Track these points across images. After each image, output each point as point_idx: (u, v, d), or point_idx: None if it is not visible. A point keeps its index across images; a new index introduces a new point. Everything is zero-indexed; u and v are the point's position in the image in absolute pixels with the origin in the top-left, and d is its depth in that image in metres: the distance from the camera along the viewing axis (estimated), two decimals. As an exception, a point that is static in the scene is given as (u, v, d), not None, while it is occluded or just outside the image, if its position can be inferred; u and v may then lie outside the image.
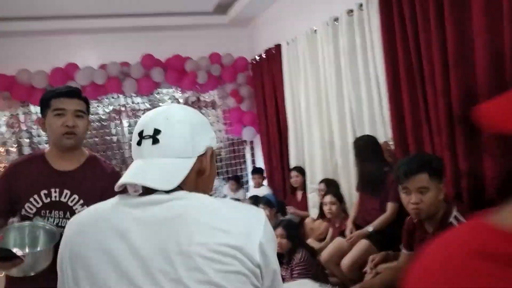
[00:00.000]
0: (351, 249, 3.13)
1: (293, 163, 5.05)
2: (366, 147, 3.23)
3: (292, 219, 4.48)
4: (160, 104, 6.35)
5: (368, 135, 3.38)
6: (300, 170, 4.78)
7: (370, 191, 3.31)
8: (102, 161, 1.87)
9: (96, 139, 6.09)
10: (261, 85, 5.87)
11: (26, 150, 5.83)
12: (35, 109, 5.79)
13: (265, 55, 5.58)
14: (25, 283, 1.53)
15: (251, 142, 6.74)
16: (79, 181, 1.73)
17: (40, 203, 1.68)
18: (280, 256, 3.28)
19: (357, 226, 3.32)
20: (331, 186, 3.92)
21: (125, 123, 6.17)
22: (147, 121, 0.99)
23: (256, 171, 5.83)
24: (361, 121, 3.69)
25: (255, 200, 4.39)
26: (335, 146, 4.14)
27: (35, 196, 1.68)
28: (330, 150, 4.28)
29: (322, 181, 4.11)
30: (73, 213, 1.69)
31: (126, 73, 5.83)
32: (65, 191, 1.70)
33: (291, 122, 5.05)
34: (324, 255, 3.25)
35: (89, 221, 0.96)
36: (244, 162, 6.80)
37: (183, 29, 6.00)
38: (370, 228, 3.15)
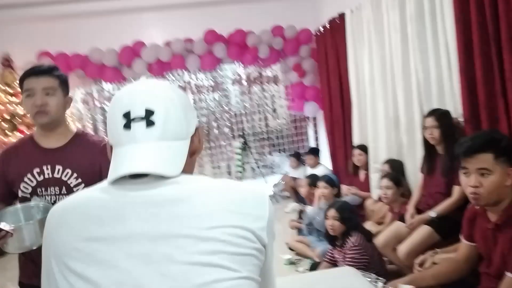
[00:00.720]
0: (410, 235, 2.89)
1: (356, 141, 4.79)
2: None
3: (352, 200, 4.29)
4: (223, 80, 6.37)
5: (438, 110, 3.04)
6: (364, 149, 4.52)
7: (435, 172, 3.01)
8: (91, 135, 1.86)
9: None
10: (324, 58, 5.60)
11: (101, 126, 6.20)
12: (107, 87, 6.10)
13: (329, 26, 5.28)
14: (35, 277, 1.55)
15: (314, 119, 6.53)
16: (69, 156, 1.72)
17: (35, 182, 1.70)
18: (333, 238, 3.13)
19: (419, 210, 3.04)
20: (394, 168, 3.64)
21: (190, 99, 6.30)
22: (133, 101, 0.88)
23: (311, 151, 5.65)
24: (429, 95, 3.35)
25: (314, 179, 4.24)
26: (400, 122, 3.83)
27: (29, 175, 1.70)
28: (395, 127, 3.97)
29: (386, 162, 3.84)
30: (69, 188, 1.69)
31: (189, 49, 5.89)
32: (57, 166, 1.70)
33: (354, 97, 4.76)
34: (380, 240, 3.04)
35: (75, 209, 0.88)
36: (307, 139, 6.63)
37: (245, 2, 5.88)
38: (433, 214, 2.87)
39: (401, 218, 3.13)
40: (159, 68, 5.85)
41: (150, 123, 0.87)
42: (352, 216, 3.05)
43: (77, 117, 6.05)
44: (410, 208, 3.09)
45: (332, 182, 3.93)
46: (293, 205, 5.32)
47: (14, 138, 5.27)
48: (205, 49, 5.86)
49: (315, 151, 5.66)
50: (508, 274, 1.65)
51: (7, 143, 5.25)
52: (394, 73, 3.83)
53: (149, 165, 0.85)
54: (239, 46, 5.91)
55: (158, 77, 6.11)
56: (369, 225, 3.74)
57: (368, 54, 4.26)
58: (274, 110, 6.54)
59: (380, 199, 3.77)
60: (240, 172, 5.85)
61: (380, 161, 4.09)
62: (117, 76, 5.84)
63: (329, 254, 3.20)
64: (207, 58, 5.90)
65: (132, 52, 5.73)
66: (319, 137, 6.57)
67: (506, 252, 1.67)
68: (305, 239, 4.00)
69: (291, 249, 4.04)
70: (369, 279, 1.94)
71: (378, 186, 3.58)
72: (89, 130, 6.11)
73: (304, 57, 6.07)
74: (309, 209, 4.18)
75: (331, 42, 5.30)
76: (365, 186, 4.47)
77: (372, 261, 2.93)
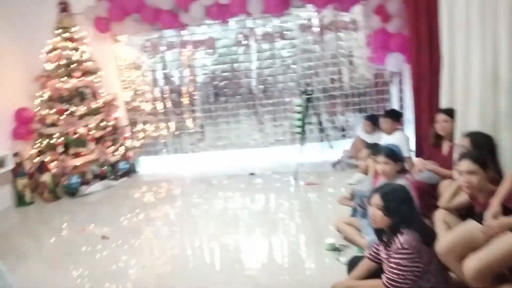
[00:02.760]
0: (487, 244, 2.00)
1: (444, 103, 3.73)
2: None
3: (428, 178, 3.37)
4: (290, 27, 5.52)
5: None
6: (450, 114, 3.49)
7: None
8: None
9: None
10: (413, -2, 4.44)
11: (159, 75, 5.90)
12: (167, 33, 5.70)
13: (421, -46, 4.10)
14: None
15: (399, 74, 5.42)
16: None
17: None
18: (381, 231, 2.36)
19: (507, 210, 2.10)
20: (477, 144, 2.65)
21: (253, 48, 5.61)
22: None
23: (388, 114, 4.64)
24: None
25: (374, 149, 3.37)
26: (500, 81, 2.76)
27: None
28: (492, 88, 2.89)
29: (466, 136, 2.85)
30: None
31: (252, -10, 5.14)
32: None
33: (445, 46, 3.65)
34: (441, 243, 2.18)
35: None
36: (389, 99, 5.58)
37: None
38: (527, 218, 1.93)
39: (482, 215, 2.21)
40: (218, 12, 5.23)
41: None
42: (403, 208, 2.21)
43: (136, 65, 5.81)
44: (495, 203, 2.14)
45: (394, 156, 3.04)
46: (358, 176, 4.51)
47: (67, 84, 5.20)
48: (271, -12, 5.06)
49: (393, 114, 4.66)
50: None
51: (61, 88, 5.21)
52: (497, 13, 2.72)
53: None
54: (310, -16, 5.00)
55: (217, 23, 5.51)
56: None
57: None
58: (351, 63, 5.56)
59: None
60: (300, 133, 5.10)
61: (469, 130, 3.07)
62: (174, 21, 5.38)
63: (374, 250, 2.45)
64: (273, 0, 5.10)
65: (190, -6, 5.18)
66: (404, 97, 5.48)
67: None
68: (356, 221, 3.24)
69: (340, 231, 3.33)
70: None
71: (456, 168, 2.63)
72: (147, 79, 5.84)
73: (389, -3, 4.95)
74: (361, 185, 3.38)
75: (422, -26, 4.14)
76: (448, 161, 3.48)
77: (427, 271, 2.12)
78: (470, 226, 2.19)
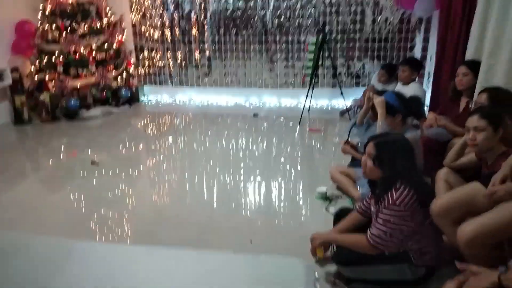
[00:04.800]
0: (489, 209, 1.78)
1: (469, 55, 3.36)
2: None
3: (438, 135, 3.10)
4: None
5: None
6: (473, 67, 3.14)
7: None
8: None
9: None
10: None
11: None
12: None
13: None
14: None
15: (428, 21, 4.95)
16: None
17: None
18: (374, 184, 2.14)
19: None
20: (496, 100, 2.34)
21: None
22: None
23: (406, 62, 4.25)
24: None
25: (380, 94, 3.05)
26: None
27: None
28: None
29: (484, 91, 2.54)
30: None
31: None
32: None
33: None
34: (437, 202, 1.96)
35: None
36: (412, 48, 5.13)
37: None
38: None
39: (489, 177, 1.96)
40: None
41: None
42: (397, 161, 1.97)
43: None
44: (506, 166, 1.89)
45: (392, 108, 2.73)
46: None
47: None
48: None
49: (413, 62, 4.27)
50: None
51: (64, 2, 4.91)
52: None
53: None
54: None
55: None
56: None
57: None
58: (376, 4, 5.07)
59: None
60: (311, 75, 4.76)
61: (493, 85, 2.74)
62: None
63: (365, 204, 2.25)
64: None
65: None
66: (429, 47, 5.05)
67: None
68: (353, 171, 3.03)
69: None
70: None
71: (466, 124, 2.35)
72: (158, 2, 5.48)
73: None
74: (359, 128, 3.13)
75: None
76: (463, 118, 3.18)
77: (417, 232, 1.93)
78: (473, 188, 1.95)
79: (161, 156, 4.09)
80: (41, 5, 5.01)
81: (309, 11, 5.20)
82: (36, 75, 5.03)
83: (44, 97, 4.94)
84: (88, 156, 3.98)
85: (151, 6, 5.54)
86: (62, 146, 4.38)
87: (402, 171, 1.96)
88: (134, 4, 5.58)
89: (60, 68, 4.94)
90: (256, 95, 5.74)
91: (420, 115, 2.86)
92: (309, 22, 5.25)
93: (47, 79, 4.98)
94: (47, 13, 4.97)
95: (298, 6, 5.21)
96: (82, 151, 4.14)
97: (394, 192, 1.95)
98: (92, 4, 5.08)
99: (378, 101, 2.73)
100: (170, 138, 4.55)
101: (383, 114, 2.70)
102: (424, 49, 5.08)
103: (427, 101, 4.36)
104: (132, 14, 5.62)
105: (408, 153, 2.04)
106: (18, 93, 4.92)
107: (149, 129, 5.03)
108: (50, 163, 3.95)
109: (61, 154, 4.16)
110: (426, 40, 5.04)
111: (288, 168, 3.69)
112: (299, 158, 3.95)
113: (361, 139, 3.16)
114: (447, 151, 2.94)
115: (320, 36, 4.59)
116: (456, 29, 3.90)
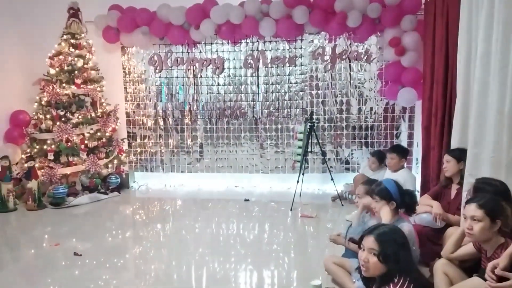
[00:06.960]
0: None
1: (454, 143, 3.45)
2: None
3: (428, 222, 3.08)
4: (301, 53, 5.36)
5: None
6: (458, 155, 3.23)
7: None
8: None
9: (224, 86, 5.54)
10: (431, 32, 4.25)
11: (165, 89, 5.73)
12: (176, 49, 5.58)
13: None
14: None
15: (410, 110, 5.18)
16: None
17: None
18: (369, 278, 2.05)
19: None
20: (488, 189, 2.35)
21: (261, 71, 5.42)
22: None
23: (394, 149, 4.38)
24: None
25: (370, 185, 3.07)
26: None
27: None
28: (508, 131, 2.62)
29: (480, 180, 2.56)
30: None
31: (265, 12, 5.03)
32: None
33: (460, 82, 3.41)
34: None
35: None
36: (398, 135, 5.31)
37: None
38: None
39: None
40: (228, 31, 5.10)
41: None
42: (401, 254, 1.90)
43: (142, 79, 5.67)
44: (504, 258, 1.84)
45: (386, 194, 2.74)
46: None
47: (68, 90, 5.07)
48: (283, 12, 4.94)
49: (399, 150, 4.39)
50: None
51: (60, 94, 5.07)
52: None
53: None
54: (324, 11, 4.86)
55: (226, 42, 5.38)
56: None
57: (486, 19, 2.90)
58: (361, 95, 5.32)
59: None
60: (299, 162, 4.83)
61: (480, 174, 2.77)
62: (183, 37, 5.27)
63: (362, 298, 2.14)
64: (285, 24, 4.97)
65: (201, 11, 5.08)
66: (414, 134, 5.22)
67: None
68: (348, 262, 2.92)
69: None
70: None
71: (463, 212, 2.33)
72: (152, 94, 5.69)
73: (406, 30, 4.78)
74: (355, 222, 3.09)
75: (441, 11, 3.95)
76: (454, 205, 3.19)
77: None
78: (474, 283, 1.88)
79: (148, 244, 3.94)
80: (38, 97, 5.17)
81: (297, 101, 5.43)
82: (26, 163, 5.01)
83: (32, 185, 4.87)
84: (72, 245, 3.82)
85: (145, 97, 5.75)
86: (46, 236, 4.22)
87: (404, 264, 1.89)
88: (129, 95, 5.78)
89: (50, 156, 4.95)
90: (247, 180, 5.74)
91: (412, 210, 2.85)
92: (297, 111, 5.45)
93: (36, 166, 4.96)
94: (43, 103, 5.10)
95: (287, 97, 5.45)
96: (65, 240, 3.98)
97: (392, 286, 1.86)
98: (87, 96, 5.25)
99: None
100: (159, 225, 4.43)
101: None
102: (410, 136, 5.24)
103: (418, 187, 4.38)
104: (126, 104, 5.80)
105: (407, 245, 1.99)
106: (5, 180, 4.86)
107: (137, 216, 4.92)
108: (31, 253, 3.77)
109: (44, 244, 3.99)
110: (411, 127, 5.23)
111: (281, 255, 3.56)
112: (292, 245, 3.84)
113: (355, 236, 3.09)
114: (443, 239, 2.90)
115: (308, 125, 4.74)
116: (438, 118, 4.06)
